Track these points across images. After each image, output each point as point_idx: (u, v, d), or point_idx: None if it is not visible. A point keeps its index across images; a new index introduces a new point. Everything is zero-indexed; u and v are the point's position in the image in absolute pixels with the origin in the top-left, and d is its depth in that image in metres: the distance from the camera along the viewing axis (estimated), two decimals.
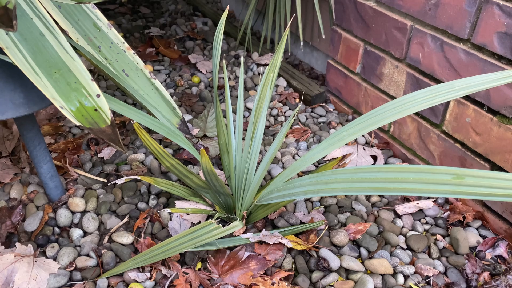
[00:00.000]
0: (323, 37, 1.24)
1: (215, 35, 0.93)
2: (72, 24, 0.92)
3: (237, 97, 1.32)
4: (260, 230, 0.88)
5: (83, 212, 0.92)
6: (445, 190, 0.54)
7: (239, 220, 0.78)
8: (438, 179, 0.55)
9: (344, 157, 0.78)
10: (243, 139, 1.15)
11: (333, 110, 1.28)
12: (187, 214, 0.90)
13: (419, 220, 0.94)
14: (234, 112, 1.24)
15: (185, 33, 1.66)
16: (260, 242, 0.84)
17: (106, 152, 1.07)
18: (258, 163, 1.04)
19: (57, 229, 0.88)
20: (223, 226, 0.84)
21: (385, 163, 1.09)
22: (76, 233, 0.87)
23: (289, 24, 0.86)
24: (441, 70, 0.92)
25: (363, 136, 1.18)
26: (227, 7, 0.94)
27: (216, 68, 0.91)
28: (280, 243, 0.82)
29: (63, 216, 0.89)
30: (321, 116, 1.26)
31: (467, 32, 0.84)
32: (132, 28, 1.70)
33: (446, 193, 0.54)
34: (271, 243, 0.81)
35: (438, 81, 0.94)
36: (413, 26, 0.95)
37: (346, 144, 1.11)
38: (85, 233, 0.88)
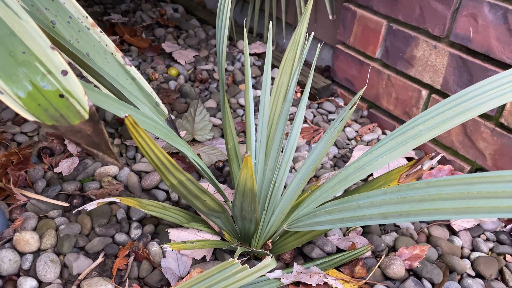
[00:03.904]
0: (330, 17, 1.03)
1: (218, 15, 0.70)
2: None
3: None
4: (289, 265, 0.65)
5: (37, 252, 0.65)
6: None
7: (272, 257, 0.55)
8: None
9: (418, 160, 0.57)
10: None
11: (343, 105, 1.07)
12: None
13: (479, 237, 0.75)
14: (219, 110, 1.01)
15: (153, 19, 1.40)
16: (296, 283, 0.61)
17: (65, 165, 0.80)
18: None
19: None
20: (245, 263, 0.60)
21: None
22: (27, 284, 0.60)
23: None
24: (501, 47, 0.73)
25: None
26: None
27: (223, 57, 0.67)
28: (325, 283, 0.59)
29: (6, 261, 0.61)
30: (330, 112, 1.05)
31: None
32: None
33: None
34: (313, 284, 0.58)
35: (495, 61, 0.75)
36: None
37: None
38: (41, 284, 0.61)
